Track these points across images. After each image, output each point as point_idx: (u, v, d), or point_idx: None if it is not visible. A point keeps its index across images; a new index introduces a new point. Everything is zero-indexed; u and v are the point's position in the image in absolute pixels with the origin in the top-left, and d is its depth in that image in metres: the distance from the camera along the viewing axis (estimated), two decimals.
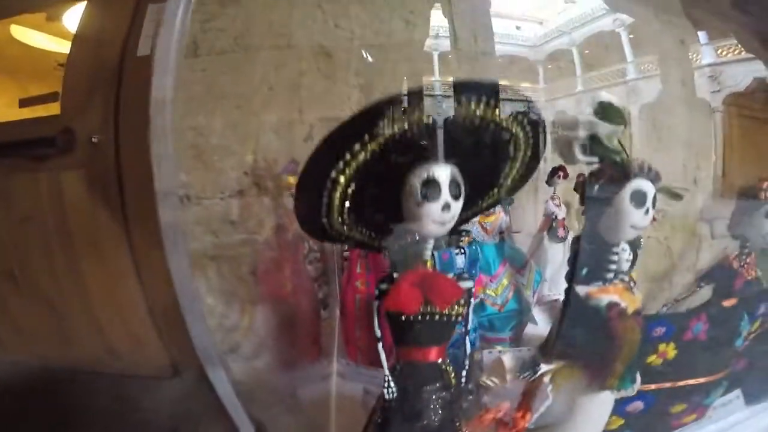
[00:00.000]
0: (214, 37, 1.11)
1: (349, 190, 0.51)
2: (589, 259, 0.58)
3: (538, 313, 1.07)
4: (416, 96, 0.45)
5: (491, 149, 0.54)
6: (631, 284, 0.58)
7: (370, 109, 0.47)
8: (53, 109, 1.26)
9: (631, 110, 1.43)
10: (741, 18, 1.34)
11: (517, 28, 1.50)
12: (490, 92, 0.47)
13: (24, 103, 1.40)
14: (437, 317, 0.55)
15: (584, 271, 0.57)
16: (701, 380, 0.76)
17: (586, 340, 0.59)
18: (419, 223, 0.53)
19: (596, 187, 0.55)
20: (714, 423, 0.82)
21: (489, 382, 0.67)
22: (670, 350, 0.71)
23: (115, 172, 1.17)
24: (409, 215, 0.53)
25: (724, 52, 1.43)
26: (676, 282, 1.31)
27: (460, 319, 0.58)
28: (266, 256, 0.99)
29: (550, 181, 1.18)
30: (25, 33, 1.46)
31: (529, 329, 1.02)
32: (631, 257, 0.58)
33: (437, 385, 0.58)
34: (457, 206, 0.53)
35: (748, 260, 0.81)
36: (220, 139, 1.05)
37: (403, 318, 0.54)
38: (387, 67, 1.15)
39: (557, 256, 1.17)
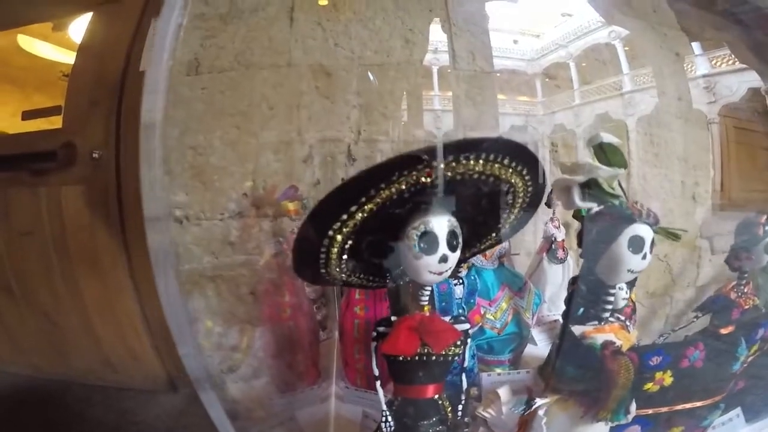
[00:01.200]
0: (214, 55, 1.11)
1: (347, 246, 0.51)
2: (586, 299, 0.58)
3: (538, 334, 1.08)
4: (414, 159, 0.44)
5: (490, 200, 0.54)
6: (627, 322, 0.58)
7: (367, 174, 0.46)
8: (56, 122, 1.27)
9: (628, 123, 1.43)
10: (733, 28, 1.34)
11: (515, 42, 1.50)
12: (489, 148, 0.47)
13: (27, 115, 1.40)
14: (434, 358, 0.55)
15: (580, 311, 0.57)
16: (698, 404, 0.76)
17: (580, 377, 0.59)
18: (417, 273, 0.53)
19: (594, 231, 0.55)
20: None
21: (485, 414, 0.67)
22: (667, 378, 0.71)
23: (115, 188, 1.17)
24: (407, 265, 0.53)
25: (719, 63, 1.42)
26: (677, 298, 1.31)
27: (456, 358, 0.58)
28: (265, 277, 0.99)
29: (549, 203, 1.17)
30: (31, 43, 1.45)
31: (530, 350, 1.02)
32: (627, 294, 0.58)
33: (434, 419, 0.59)
34: (454, 257, 0.53)
35: (745, 290, 0.80)
36: (219, 159, 1.05)
37: (401, 359, 0.55)
38: (386, 86, 1.15)
39: (557, 277, 1.17)
